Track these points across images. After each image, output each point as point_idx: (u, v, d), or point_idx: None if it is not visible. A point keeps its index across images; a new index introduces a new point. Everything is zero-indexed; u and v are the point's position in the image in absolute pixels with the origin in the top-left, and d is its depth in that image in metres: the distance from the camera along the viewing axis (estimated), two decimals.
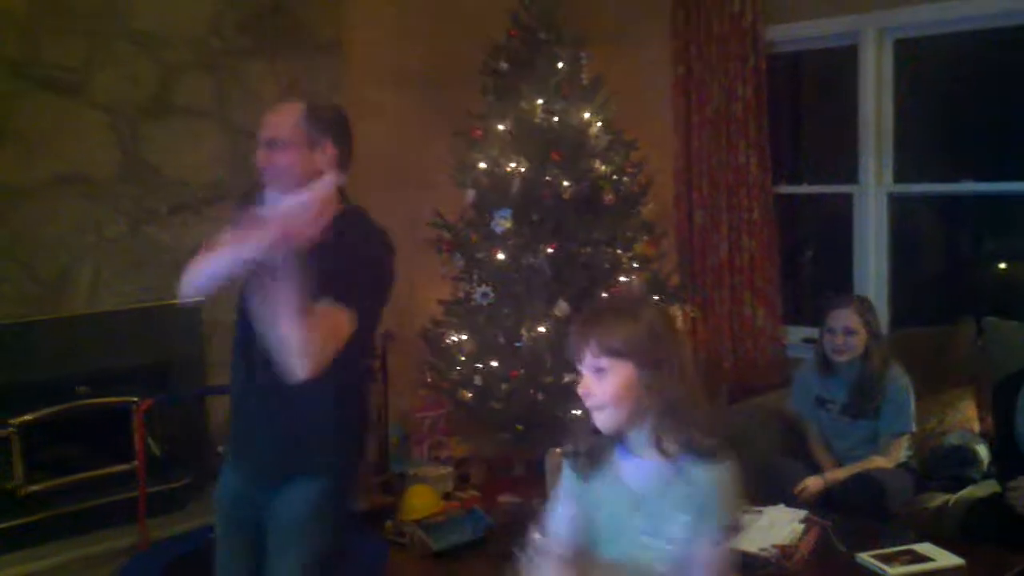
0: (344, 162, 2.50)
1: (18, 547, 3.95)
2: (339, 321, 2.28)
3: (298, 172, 2.43)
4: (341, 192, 2.51)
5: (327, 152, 2.47)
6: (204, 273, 2.41)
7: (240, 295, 2.54)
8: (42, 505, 4.06)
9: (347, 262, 2.32)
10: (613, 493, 1.97)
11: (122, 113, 4.33)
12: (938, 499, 3.58)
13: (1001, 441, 3.55)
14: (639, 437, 1.93)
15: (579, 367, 1.96)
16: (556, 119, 4.54)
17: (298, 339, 2.19)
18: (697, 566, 1.90)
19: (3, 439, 3.99)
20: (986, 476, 3.69)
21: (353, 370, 2.51)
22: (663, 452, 1.90)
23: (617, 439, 1.97)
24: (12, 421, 4.01)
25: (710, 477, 1.88)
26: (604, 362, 1.90)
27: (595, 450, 2.00)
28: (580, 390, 1.94)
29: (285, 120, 2.46)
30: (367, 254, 2.43)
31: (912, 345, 4.20)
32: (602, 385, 1.91)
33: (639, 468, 1.94)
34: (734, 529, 1.94)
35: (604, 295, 4.43)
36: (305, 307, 2.18)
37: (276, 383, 2.31)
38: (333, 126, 2.50)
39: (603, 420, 1.93)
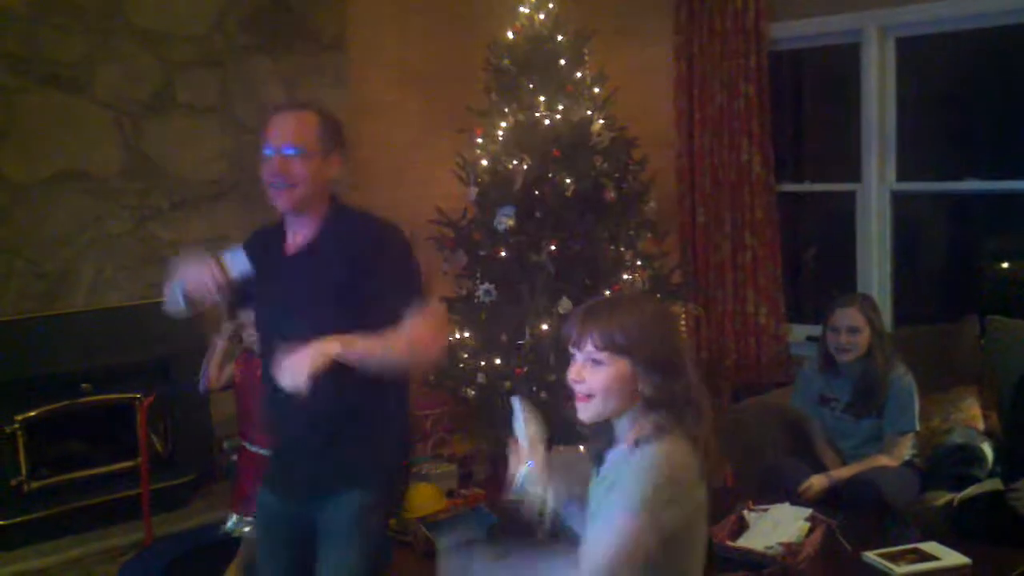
0: (344, 171, 2.51)
1: (22, 543, 3.97)
2: (427, 316, 2.33)
3: (314, 182, 2.41)
4: (333, 194, 2.51)
5: (336, 163, 2.46)
6: None
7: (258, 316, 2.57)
8: (46, 501, 4.07)
9: (392, 268, 2.38)
10: (597, 478, 2.01)
11: (125, 110, 4.34)
12: (943, 498, 3.58)
13: (1013, 440, 3.54)
14: (621, 426, 1.96)
15: (573, 351, 1.96)
16: (558, 116, 4.53)
17: (408, 358, 2.32)
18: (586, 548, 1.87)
19: (7, 435, 4.00)
20: (990, 475, 3.69)
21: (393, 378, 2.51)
22: (632, 440, 1.91)
23: (611, 433, 1.99)
24: (16, 417, 4.02)
25: (640, 458, 1.86)
26: (602, 355, 1.91)
27: (603, 445, 2.02)
28: (571, 375, 1.96)
29: (302, 128, 2.42)
30: (401, 251, 2.45)
31: (916, 343, 4.19)
32: (595, 376, 1.92)
33: (614, 454, 1.97)
34: (632, 515, 1.81)
35: (607, 293, 4.42)
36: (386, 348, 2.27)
37: (316, 399, 2.30)
38: (341, 135, 2.49)
39: (588, 409, 1.95)
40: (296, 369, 2.17)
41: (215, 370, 3.41)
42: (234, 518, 3.49)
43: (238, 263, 2.36)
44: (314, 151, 2.41)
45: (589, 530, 1.92)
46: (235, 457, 4.41)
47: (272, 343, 2.38)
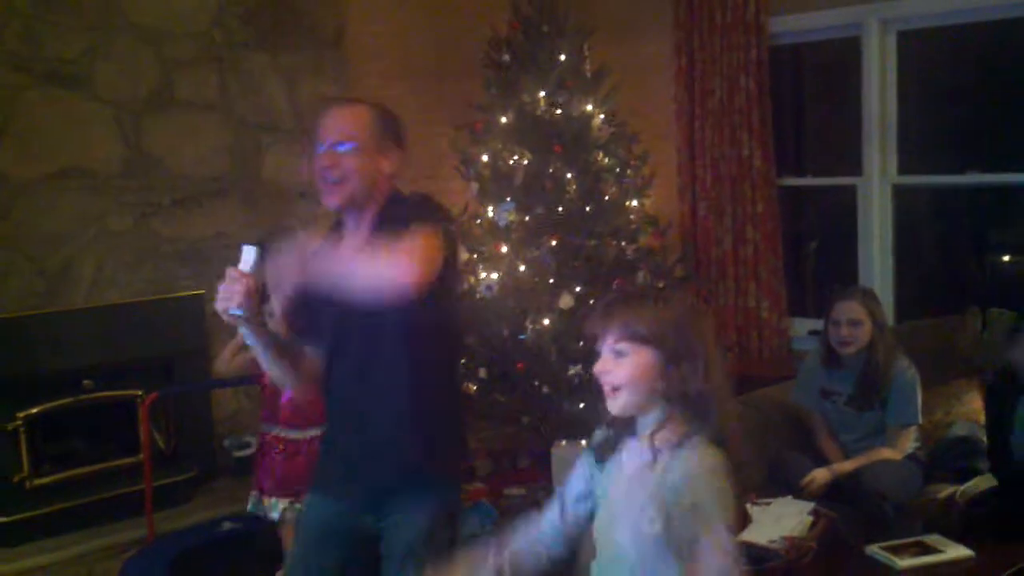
0: (402, 167, 2.42)
1: (25, 540, 3.96)
2: (428, 239, 2.17)
3: (364, 178, 2.32)
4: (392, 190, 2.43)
5: (391, 158, 2.38)
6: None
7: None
8: (49, 498, 4.07)
9: (415, 211, 2.28)
10: (613, 475, 1.99)
11: (125, 106, 4.33)
12: (945, 490, 3.58)
13: (993, 442, 3.54)
14: (646, 422, 1.93)
15: (599, 347, 1.95)
16: (559, 111, 4.53)
17: (383, 270, 2.10)
18: (696, 568, 1.82)
19: (10, 432, 4.00)
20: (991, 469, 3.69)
21: (447, 376, 2.46)
22: (654, 440, 1.89)
23: (630, 426, 1.97)
24: (19, 414, 4.01)
25: (682, 474, 1.83)
26: (625, 346, 1.89)
27: (615, 438, 2.00)
28: (597, 369, 1.94)
29: (355, 122, 2.35)
30: (429, 206, 2.36)
31: (917, 336, 4.19)
32: (620, 367, 1.90)
33: (635, 452, 1.94)
34: (725, 525, 1.81)
35: (614, 287, 4.42)
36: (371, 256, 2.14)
37: (372, 403, 2.30)
38: (398, 130, 2.41)
39: (616, 402, 1.92)
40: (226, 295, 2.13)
41: (228, 354, 3.51)
42: (276, 502, 3.49)
43: (248, 260, 2.28)
44: (365, 146, 2.32)
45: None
46: (247, 451, 4.44)
47: (333, 350, 2.35)
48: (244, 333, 2.27)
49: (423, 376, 2.34)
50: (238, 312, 2.15)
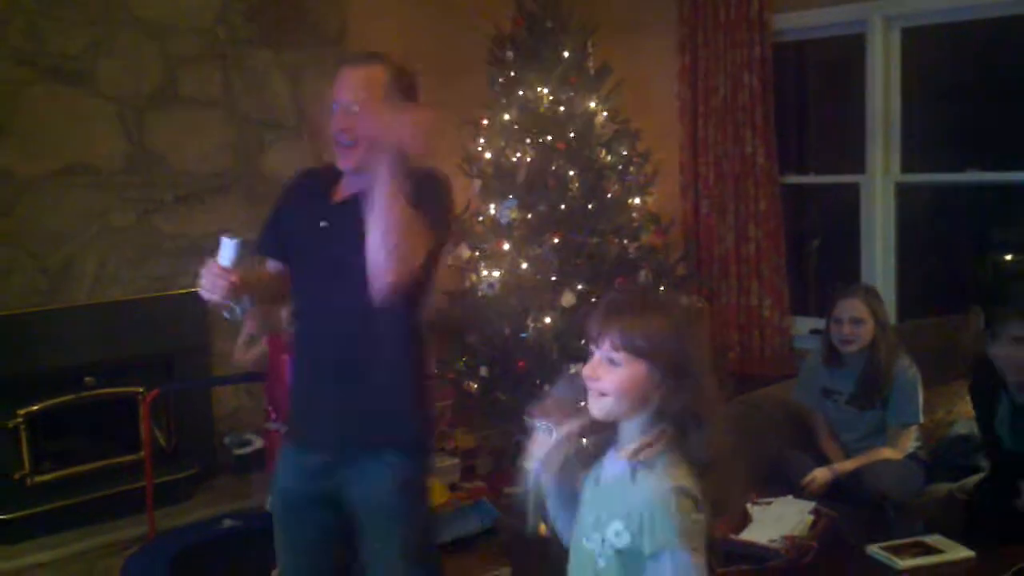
0: None
1: (26, 537, 3.97)
2: (423, 230, 2.20)
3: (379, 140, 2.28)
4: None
5: None
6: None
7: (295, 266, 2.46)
8: (49, 495, 4.07)
9: (417, 189, 2.25)
10: (590, 481, 1.96)
11: (128, 103, 4.33)
12: (946, 489, 3.58)
13: (985, 432, 3.53)
14: (629, 430, 1.89)
15: (592, 348, 1.90)
16: (562, 108, 4.53)
17: (398, 242, 2.13)
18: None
19: (10, 429, 4.00)
20: None
21: (420, 333, 2.45)
22: (636, 455, 1.85)
23: (612, 430, 1.93)
24: (19, 411, 4.02)
25: (652, 491, 1.80)
26: (620, 356, 1.85)
27: (598, 443, 1.96)
28: (586, 371, 1.89)
29: (369, 82, 2.31)
30: (431, 181, 2.36)
31: (920, 335, 4.18)
32: (611, 376, 1.86)
33: (612, 461, 1.92)
34: (688, 550, 1.75)
35: (616, 285, 4.42)
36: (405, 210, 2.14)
37: (349, 354, 2.30)
38: (414, 89, 2.38)
39: (599, 407, 1.88)
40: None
41: (242, 344, 3.66)
42: None
43: (227, 254, 2.28)
44: (379, 106, 2.27)
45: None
46: (247, 448, 4.45)
47: (306, 304, 2.36)
48: (231, 316, 2.28)
49: (409, 334, 2.35)
50: (233, 309, 2.17)
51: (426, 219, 2.22)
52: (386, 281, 2.15)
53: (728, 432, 1.90)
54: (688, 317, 1.98)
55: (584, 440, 1.99)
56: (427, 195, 2.27)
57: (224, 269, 2.18)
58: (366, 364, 2.35)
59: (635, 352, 1.84)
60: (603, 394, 1.87)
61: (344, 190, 2.40)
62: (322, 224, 2.37)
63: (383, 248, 2.14)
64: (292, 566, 2.50)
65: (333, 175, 2.44)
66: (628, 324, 1.86)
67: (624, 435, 1.91)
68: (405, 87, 2.37)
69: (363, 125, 2.26)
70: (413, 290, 2.26)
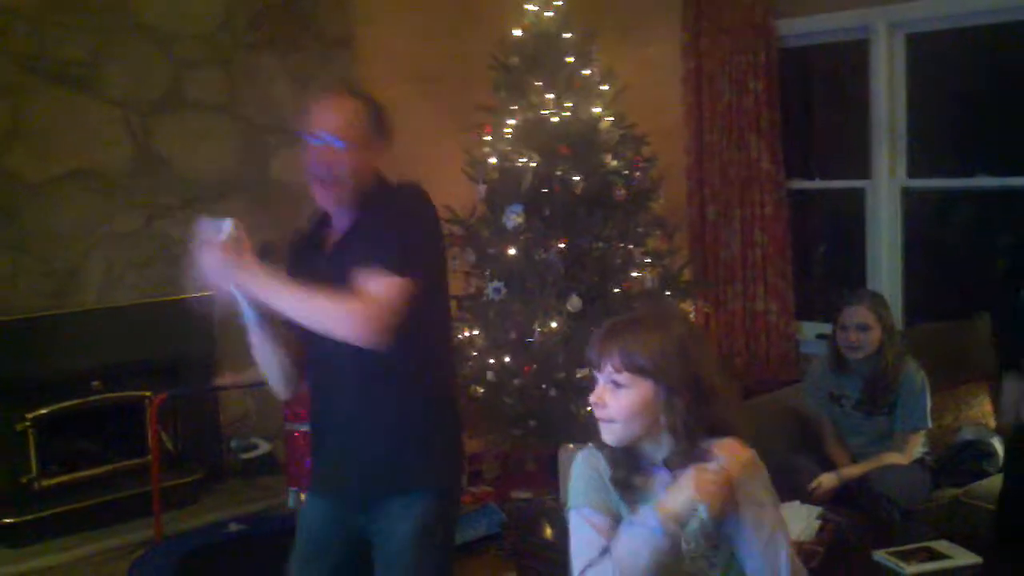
0: (386, 157, 2.39)
1: (33, 541, 3.98)
2: (386, 286, 2.13)
3: (357, 176, 2.28)
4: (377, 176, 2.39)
5: (379, 151, 2.34)
6: (266, 369, 2.36)
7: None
8: (57, 499, 4.09)
9: (387, 228, 2.23)
10: (648, 507, 1.84)
11: (134, 108, 4.35)
12: (953, 495, 3.57)
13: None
14: (657, 451, 1.86)
15: (596, 375, 1.88)
16: (567, 114, 4.52)
17: (332, 314, 2.12)
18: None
19: (18, 433, 4.01)
20: (1002, 470, 3.67)
21: (439, 367, 2.42)
22: (671, 466, 1.84)
23: (633, 454, 1.89)
24: (27, 415, 4.03)
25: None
26: (624, 378, 1.82)
27: (629, 472, 1.90)
28: (593, 399, 1.87)
29: (349, 118, 2.28)
30: (404, 214, 2.29)
31: (926, 341, 4.17)
32: (617, 400, 1.83)
33: (667, 478, 1.86)
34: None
35: (616, 291, 4.42)
36: (314, 292, 2.13)
37: (361, 396, 2.28)
38: (385, 122, 2.37)
39: (610, 433, 1.86)
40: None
41: None
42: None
43: (215, 231, 2.24)
44: (358, 143, 2.27)
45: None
46: (254, 452, 4.46)
47: (316, 349, 2.31)
48: (238, 304, 2.24)
49: (412, 378, 2.31)
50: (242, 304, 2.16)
51: (395, 265, 2.16)
52: (362, 342, 2.12)
53: (751, 438, 1.89)
54: (689, 330, 1.94)
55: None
56: (391, 226, 2.24)
57: (213, 243, 2.18)
58: (377, 410, 2.32)
59: (638, 371, 1.82)
60: (611, 420, 1.85)
61: (335, 232, 2.37)
62: (318, 278, 2.28)
63: (329, 327, 2.14)
64: None
65: (321, 221, 2.42)
66: (628, 344, 1.84)
67: (650, 456, 1.88)
68: (379, 121, 2.35)
69: (345, 163, 2.25)
70: (410, 326, 2.18)
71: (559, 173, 4.46)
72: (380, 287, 2.13)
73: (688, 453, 1.83)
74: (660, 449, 1.86)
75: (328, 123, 2.27)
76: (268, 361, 2.34)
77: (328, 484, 2.44)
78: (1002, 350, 3.45)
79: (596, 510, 1.88)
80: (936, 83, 4.98)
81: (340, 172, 2.25)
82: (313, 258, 2.36)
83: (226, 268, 2.17)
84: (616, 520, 1.86)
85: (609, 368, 1.84)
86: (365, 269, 2.14)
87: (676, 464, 1.84)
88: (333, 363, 2.31)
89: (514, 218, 4.45)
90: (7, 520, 3.97)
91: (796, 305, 5.09)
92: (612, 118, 4.60)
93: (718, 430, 1.84)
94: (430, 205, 2.35)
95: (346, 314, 2.12)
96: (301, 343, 2.34)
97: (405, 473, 2.33)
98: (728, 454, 1.82)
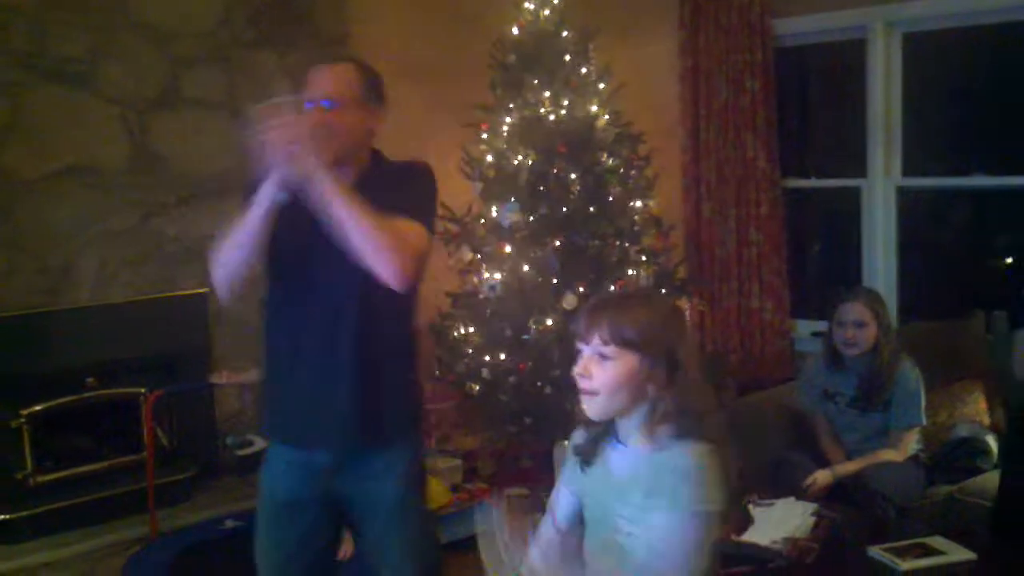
0: (383, 124, 2.48)
1: (28, 537, 3.97)
2: (419, 232, 2.26)
3: (353, 134, 2.36)
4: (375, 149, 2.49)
5: (376, 116, 2.43)
6: (236, 242, 2.32)
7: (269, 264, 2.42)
8: (52, 495, 4.08)
9: (402, 186, 2.33)
10: (600, 481, 1.97)
11: (131, 105, 4.34)
12: (948, 492, 3.58)
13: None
14: (628, 425, 1.91)
15: (581, 347, 1.92)
16: (563, 112, 4.53)
17: (383, 236, 2.15)
18: (662, 552, 1.81)
19: (13, 430, 4.01)
20: (996, 467, 3.69)
21: (413, 326, 2.48)
22: (649, 439, 1.88)
23: (610, 427, 1.96)
24: (22, 412, 4.03)
25: (683, 460, 1.83)
26: (611, 350, 1.86)
27: (595, 440, 1.99)
28: (577, 370, 1.91)
29: (342, 79, 2.38)
30: (415, 175, 2.44)
31: (922, 339, 4.19)
32: (603, 371, 1.87)
33: (624, 456, 1.93)
34: (712, 517, 1.81)
35: (612, 288, 4.42)
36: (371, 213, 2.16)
37: (359, 342, 2.30)
38: (381, 89, 2.46)
39: (593, 407, 1.90)
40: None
41: None
42: None
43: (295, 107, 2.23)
44: (352, 102, 2.36)
45: (649, 536, 1.84)
46: (249, 449, 4.45)
47: (296, 292, 2.35)
48: (271, 187, 2.24)
49: (403, 328, 2.36)
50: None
51: (418, 215, 2.28)
52: (394, 277, 2.17)
53: (722, 422, 1.93)
54: (671, 308, 2.03)
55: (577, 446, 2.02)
56: (413, 186, 2.38)
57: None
58: (367, 358, 2.34)
59: (625, 344, 1.86)
60: (594, 393, 1.88)
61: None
62: (308, 223, 2.28)
63: (372, 249, 2.16)
64: (277, 563, 2.46)
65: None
66: (616, 317, 1.88)
67: (625, 429, 1.92)
68: (374, 85, 2.44)
69: (341, 120, 2.32)
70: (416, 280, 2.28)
71: (555, 171, 4.47)
72: (422, 237, 2.26)
73: (651, 433, 1.88)
74: (631, 424, 1.91)
75: (319, 88, 2.36)
76: (244, 251, 2.34)
77: (308, 434, 2.40)
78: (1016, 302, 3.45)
79: (564, 484, 2.07)
80: (932, 82, 4.99)
81: (329, 131, 2.29)
82: (305, 204, 2.28)
83: (300, 149, 2.15)
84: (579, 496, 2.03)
85: (597, 340, 1.88)
86: (403, 216, 2.22)
87: (634, 441, 1.92)
88: (324, 304, 2.31)
89: (510, 216, 4.46)
90: (2, 517, 3.96)
91: (791, 303, 5.10)
92: (608, 116, 4.61)
93: (695, 407, 1.87)
94: (431, 171, 2.50)
95: (397, 242, 2.17)
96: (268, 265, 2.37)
97: (389, 425, 2.37)
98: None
